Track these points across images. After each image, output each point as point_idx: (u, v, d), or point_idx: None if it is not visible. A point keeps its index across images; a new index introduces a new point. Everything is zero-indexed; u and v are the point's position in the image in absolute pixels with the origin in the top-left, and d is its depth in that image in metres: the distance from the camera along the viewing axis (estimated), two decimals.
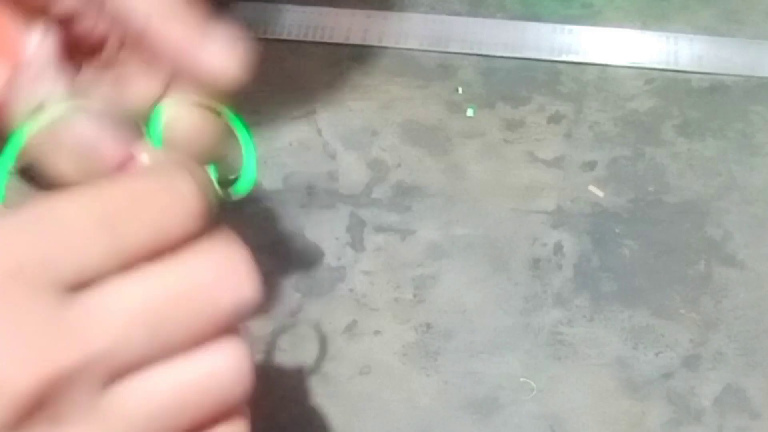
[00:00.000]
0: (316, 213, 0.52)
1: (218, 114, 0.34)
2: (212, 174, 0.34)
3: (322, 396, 0.46)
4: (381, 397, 0.46)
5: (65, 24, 0.32)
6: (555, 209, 0.52)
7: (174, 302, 0.26)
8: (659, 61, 0.58)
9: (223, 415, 0.27)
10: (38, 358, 0.24)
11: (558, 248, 0.51)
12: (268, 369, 0.47)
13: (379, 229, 0.51)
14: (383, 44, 0.59)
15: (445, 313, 0.48)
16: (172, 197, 0.27)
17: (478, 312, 0.48)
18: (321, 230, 0.51)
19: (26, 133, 0.30)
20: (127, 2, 0.31)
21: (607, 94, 0.57)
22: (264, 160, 0.54)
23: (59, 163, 0.31)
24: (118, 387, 0.25)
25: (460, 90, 0.57)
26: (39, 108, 0.31)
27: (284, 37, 0.60)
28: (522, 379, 0.46)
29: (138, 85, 0.34)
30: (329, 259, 0.50)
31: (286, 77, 0.58)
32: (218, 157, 0.34)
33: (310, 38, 0.60)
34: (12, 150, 0.30)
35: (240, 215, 0.52)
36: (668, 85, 0.57)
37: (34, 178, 0.32)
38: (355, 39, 0.60)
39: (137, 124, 0.33)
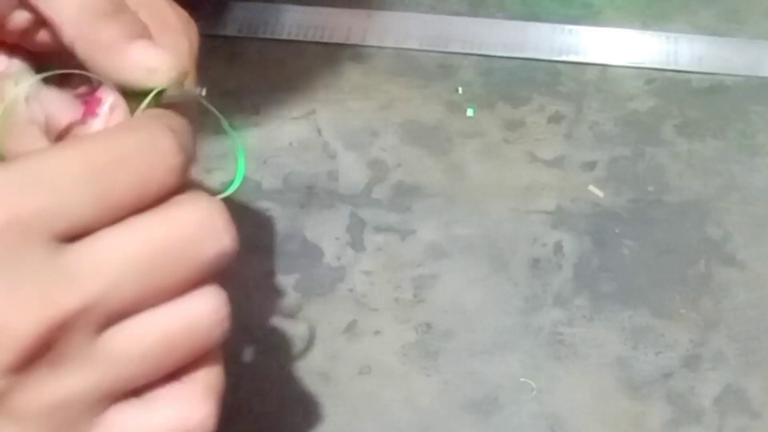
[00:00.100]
0: (316, 213, 0.52)
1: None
2: None
3: (322, 396, 0.46)
4: (381, 397, 0.46)
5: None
6: (555, 209, 0.52)
7: (161, 251, 0.28)
8: (659, 61, 0.58)
9: (202, 358, 0.30)
10: (40, 303, 0.26)
11: (558, 248, 0.51)
12: (268, 369, 0.47)
13: (379, 229, 0.51)
14: (383, 44, 0.59)
15: (445, 313, 0.48)
16: (154, 152, 0.28)
17: (478, 312, 0.48)
18: (321, 230, 0.51)
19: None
20: (53, 9, 0.31)
21: (607, 94, 0.57)
22: (264, 160, 0.54)
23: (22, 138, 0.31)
24: (110, 331, 0.27)
25: (460, 90, 0.57)
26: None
27: (284, 37, 0.60)
28: (522, 379, 0.46)
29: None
30: (329, 259, 0.50)
31: (286, 77, 0.58)
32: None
33: (310, 38, 0.60)
34: None
35: (240, 215, 0.52)
36: (668, 85, 0.57)
37: None
38: (355, 39, 0.60)
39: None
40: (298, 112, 0.56)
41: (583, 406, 0.45)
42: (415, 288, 0.49)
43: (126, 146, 0.28)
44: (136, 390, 0.28)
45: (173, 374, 0.29)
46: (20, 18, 0.33)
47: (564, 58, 0.59)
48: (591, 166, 0.54)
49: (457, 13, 0.61)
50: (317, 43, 0.59)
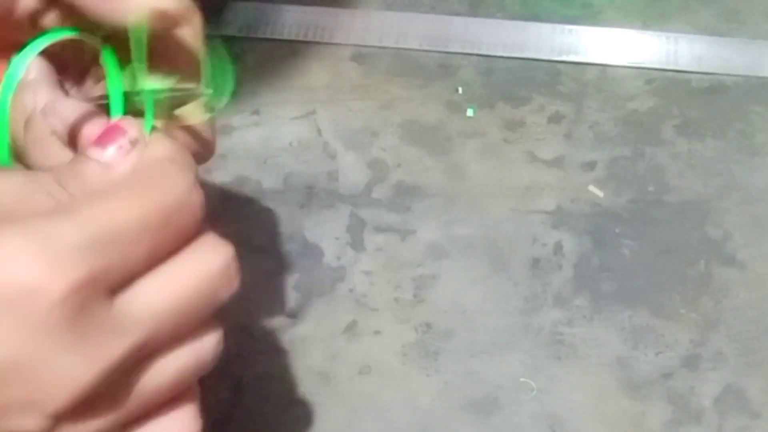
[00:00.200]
0: (316, 213, 0.52)
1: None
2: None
3: (322, 396, 0.46)
4: (381, 397, 0.46)
5: None
6: (555, 209, 0.52)
7: (192, 298, 0.31)
8: (659, 61, 0.58)
9: (180, 396, 0.33)
10: (95, 355, 0.28)
11: (558, 248, 0.51)
12: (268, 369, 0.47)
13: (379, 229, 0.52)
14: (383, 44, 0.59)
15: (445, 313, 0.48)
16: (190, 206, 0.31)
17: (478, 312, 0.48)
18: (321, 230, 0.51)
19: (21, 66, 0.31)
20: None
21: (607, 94, 0.57)
22: (264, 160, 0.54)
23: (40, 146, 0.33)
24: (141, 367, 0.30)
25: (460, 90, 0.57)
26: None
27: (284, 37, 0.60)
28: (522, 379, 0.46)
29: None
30: (329, 259, 0.50)
31: (286, 77, 0.58)
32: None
33: (310, 38, 0.60)
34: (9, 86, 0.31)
35: (240, 215, 0.52)
36: (668, 85, 0.57)
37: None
38: (355, 39, 0.60)
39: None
40: (298, 112, 0.56)
41: (583, 406, 0.45)
42: (415, 288, 0.49)
43: (170, 202, 0.30)
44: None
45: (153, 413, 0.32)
46: (27, 1, 0.33)
47: (564, 58, 0.59)
48: (591, 166, 0.54)
49: (457, 13, 0.61)
50: (317, 43, 0.59)
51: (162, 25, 0.33)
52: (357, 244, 0.51)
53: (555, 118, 0.56)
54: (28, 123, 0.32)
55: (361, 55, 0.59)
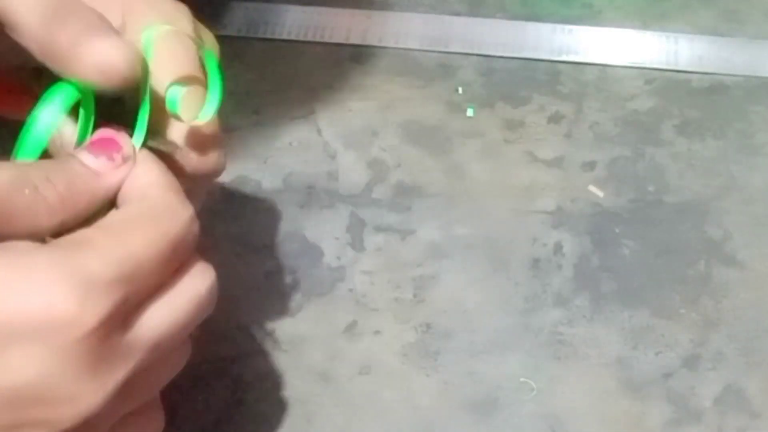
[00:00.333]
0: (316, 213, 0.52)
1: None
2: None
3: (322, 396, 0.46)
4: (381, 397, 0.46)
5: None
6: (555, 209, 0.52)
7: (186, 321, 0.32)
8: (659, 61, 0.58)
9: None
10: (106, 381, 0.30)
11: (558, 248, 0.51)
12: (268, 369, 0.47)
13: (379, 229, 0.51)
14: (383, 44, 0.59)
15: (445, 313, 0.48)
16: (193, 235, 0.32)
17: (478, 312, 0.48)
18: (321, 230, 0.51)
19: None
20: (12, 17, 0.32)
21: (607, 94, 0.57)
22: (264, 160, 0.54)
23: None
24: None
25: (460, 90, 0.57)
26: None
27: (284, 37, 0.60)
28: (522, 379, 0.46)
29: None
30: (329, 259, 0.50)
31: (286, 77, 0.58)
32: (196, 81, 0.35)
33: (310, 38, 0.60)
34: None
35: (240, 215, 0.52)
36: (668, 85, 0.57)
37: None
38: (355, 39, 0.60)
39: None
40: (298, 112, 0.56)
41: (583, 406, 0.45)
42: (415, 288, 0.49)
43: (179, 233, 0.32)
44: None
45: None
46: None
47: (564, 58, 0.59)
48: (591, 166, 0.54)
49: (457, 13, 0.61)
50: (317, 43, 0.59)
51: (111, 84, 0.32)
52: (357, 244, 0.51)
53: (555, 118, 0.56)
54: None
55: (361, 55, 0.59)
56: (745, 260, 0.50)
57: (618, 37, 0.60)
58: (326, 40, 0.59)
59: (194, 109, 0.34)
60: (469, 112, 0.56)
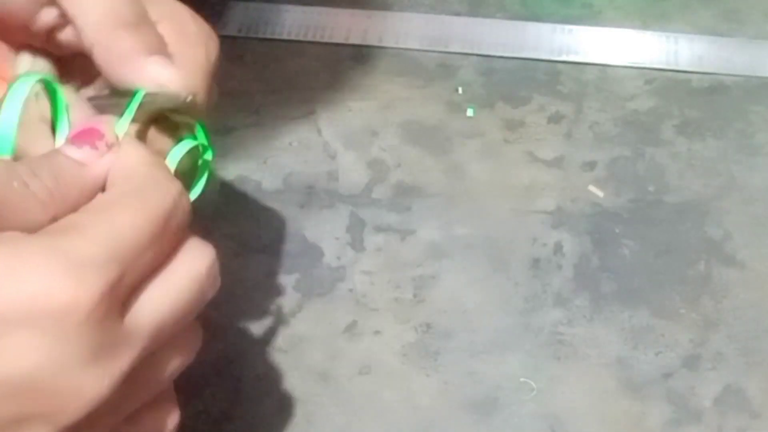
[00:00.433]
0: (316, 213, 0.52)
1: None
2: None
3: (322, 396, 0.46)
4: (381, 397, 0.46)
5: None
6: (555, 209, 0.52)
7: (187, 302, 0.32)
8: (659, 61, 0.58)
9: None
10: (106, 370, 0.29)
11: (558, 248, 0.51)
12: (268, 369, 0.47)
13: (379, 229, 0.51)
14: (383, 44, 0.59)
15: (445, 313, 0.48)
16: (183, 212, 0.32)
17: (478, 312, 0.48)
18: (321, 230, 0.51)
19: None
20: (78, 10, 0.33)
21: (607, 94, 0.57)
22: (264, 160, 0.54)
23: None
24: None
25: (460, 90, 0.57)
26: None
27: (284, 37, 0.60)
28: (522, 379, 0.46)
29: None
30: (329, 259, 0.50)
31: (286, 77, 0.58)
32: None
33: (310, 38, 0.60)
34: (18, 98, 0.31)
35: (240, 215, 0.52)
36: (668, 85, 0.57)
37: None
38: (355, 39, 0.60)
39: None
40: (298, 112, 0.56)
41: (583, 406, 0.45)
42: (415, 288, 0.49)
43: (167, 208, 0.31)
44: None
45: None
46: (47, 17, 0.34)
47: (564, 58, 0.59)
48: (591, 166, 0.54)
49: (457, 13, 0.61)
50: (317, 43, 0.59)
51: (168, 105, 0.34)
52: (357, 244, 0.51)
53: (555, 118, 0.56)
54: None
55: (361, 55, 0.59)
56: (745, 260, 0.50)
57: (618, 37, 0.60)
58: (326, 40, 0.60)
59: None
60: (469, 112, 0.56)
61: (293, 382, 0.46)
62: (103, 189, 0.32)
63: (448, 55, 0.59)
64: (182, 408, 0.43)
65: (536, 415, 0.45)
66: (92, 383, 0.29)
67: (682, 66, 0.58)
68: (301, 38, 0.60)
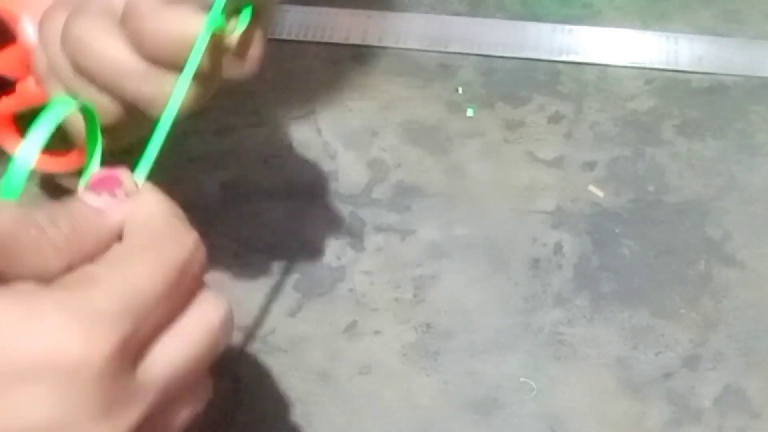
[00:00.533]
0: (316, 213, 0.52)
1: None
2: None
3: (322, 396, 0.46)
4: (381, 397, 0.46)
5: None
6: (555, 209, 0.52)
7: (199, 355, 0.31)
8: (659, 61, 0.58)
9: None
10: (117, 424, 0.29)
11: (558, 248, 0.51)
12: (268, 369, 0.47)
13: (379, 229, 0.51)
14: (383, 44, 0.59)
15: (445, 313, 0.48)
16: (199, 263, 0.32)
17: (478, 312, 0.48)
18: (321, 230, 0.51)
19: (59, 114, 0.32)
20: None
21: (607, 94, 0.57)
22: (264, 160, 0.54)
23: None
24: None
25: (460, 90, 0.57)
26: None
27: (284, 37, 0.60)
28: (522, 379, 0.46)
29: None
30: (329, 259, 0.50)
31: (286, 77, 0.58)
32: None
33: (310, 38, 0.60)
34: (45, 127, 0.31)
35: (240, 215, 0.52)
36: (668, 85, 0.57)
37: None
38: (355, 39, 0.60)
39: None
40: (298, 112, 0.56)
41: (583, 406, 0.45)
42: (415, 288, 0.49)
43: (183, 260, 0.31)
44: None
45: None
46: None
47: (564, 58, 0.59)
48: (591, 166, 0.54)
49: (457, 13, 0.61)
50: (317, 43, 0.59)
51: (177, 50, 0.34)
52: (357, 244, 0.51)
53: (555, 118, 0.56)
54: None
55: (361, 55, 0.59)
56: (745, 260, 0.50)
57: (618, 37, 0.60)
58: (326, 40, 0.59)
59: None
60: (469, 112, 0.56)
61: (293, 382, 0.46)
62: (120, 236, 0.32)
63: (448, 55, 0.59)
64: None
65: (536, 415, 0.45)
66: None
67: (682, 66, 0.58)
68: (301, 38, 0.60)
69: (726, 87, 0.57)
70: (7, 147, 0.43)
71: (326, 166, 0.54)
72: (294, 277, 0.50)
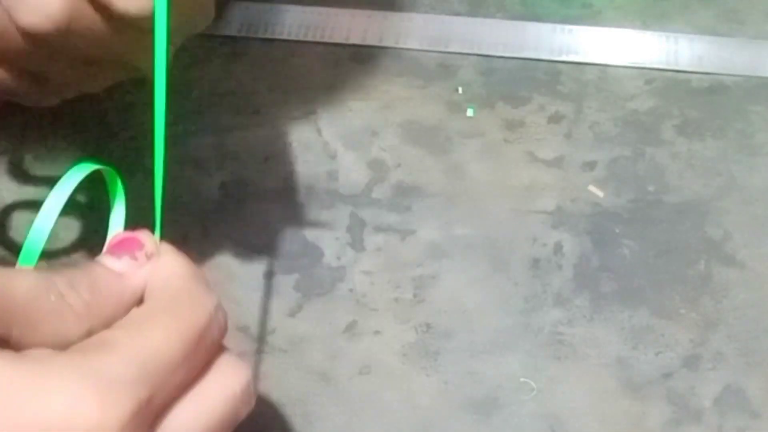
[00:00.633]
0: (316, 213, 0.52)
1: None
2: None
3: (322, 396, 0.46)
4: (381, 397, 0.46)
5: None
6: (555, 209, 0.52)
7: (219, 420, 0.31)
8: (659, 61, 0.58)
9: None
10: (118, 404, 0.28)
11: (558, 248, 0.51)
12: (269, 369, 0.47)
13: (379, 229, 0.51)
14: (383, 44, 0.59)
15: (445, 313, 0.48)
16: (219, 328, 0.32)
17: (478, 312, 0.48)
18: (321, 230, 0.51)
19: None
20: None
21: (607, 94, 0.57)
22: (264, 160, 0.54)
23: None
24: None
25: (460, 90, 0.57)
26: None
27: (284, 37, 0.60)
28: (522, 379, 0.46)
29: None
30: (329, 259, 0.50)
31: (286, 77, 0.58)
32: None
33: (310, 38, 0.60)
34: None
35: (240, 215, 0.52)
36: (668, 85, 0.57)
37: None
38: (355, 39, 0.60)
39: None
40: (298, 112, 0.56)
41: (583, 406, 0.45)
42: (415, 288, 0.49)
43: (202, 323, 0.31)
44: None
45: None
46: None
47: (564, 58, 0.59)
48: (591, 166, 0.54)
49: (457, 13, 0.61)
50: (317, 43, 0.59)
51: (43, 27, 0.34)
52: (357, 244, 0.51)
53: (555, 118, 0.56)
54: None
55: (361, 55, 0.59)
56: (745, 260, 0.50)
57: (618, 37, 0.60)
58: (326, 40, 0.59)
59: None
60: (469, 112, 0.56)
61: (293, 382, 0.46)
62: (141, 299, 0.32)
63: (448, 55, 0.59)
64: None
65: (536, 415, 0.45)
66: None
67: (682, 66, 0.58)
68: (301, 38, 0.60)
69: (726, 87, 0.57)
70: None
71: (326, 166, 0.54)
72: (294, 277, 0.50)
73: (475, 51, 0.59)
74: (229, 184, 0.53)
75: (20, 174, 0.52)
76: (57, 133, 0.54)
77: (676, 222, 0.51)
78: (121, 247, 0.32)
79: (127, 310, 0.31)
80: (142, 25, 0.34)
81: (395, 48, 0.59)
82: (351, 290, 0.49)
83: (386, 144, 0.55)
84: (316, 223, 0.52)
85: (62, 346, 0.29)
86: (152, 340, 0.29)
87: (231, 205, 0.52)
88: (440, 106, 0.56)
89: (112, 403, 0.28)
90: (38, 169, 0.53)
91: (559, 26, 0.60)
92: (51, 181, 0.32)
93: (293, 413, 0.45)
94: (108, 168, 0.33)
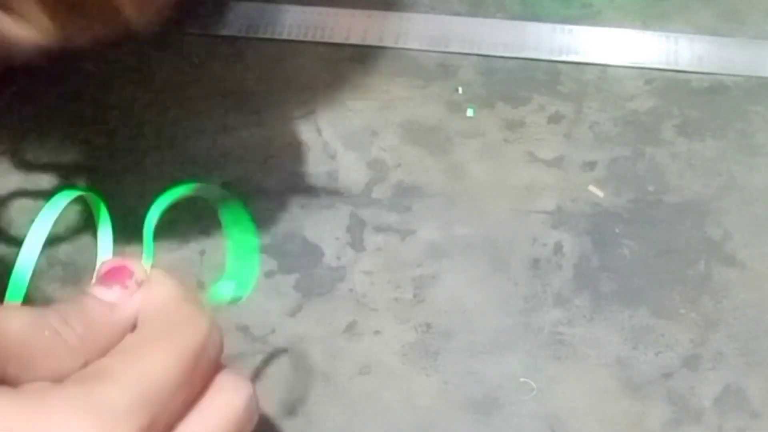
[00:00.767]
0: (316, 213, 0.52)
1: None
2: None
3: (322, 396, 0.46)
4: (381, 397, 0.46)
5: None
6: (555, 209, 0.52)
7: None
8: (659, 61, 0.58)
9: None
10: (120, 430, 0.28)
11: (558, 248, 0.51)
12: (269, 369, 0.47)
13: (379, 229, 0.51)
14: (383, 44, 0.59)
15: (445, 313, 0.48)
16: (215, 347, 0.31)
17: (478, 312, 0.48)
18: (321, 230, 0.51)
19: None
20: None
21: (607, 94, 0.57)
22: (264, 160, 0.54)
23: None
24: None
25: (460, 90, 0.57)
26: None
27: (284, 37, 0.60)
28: (522, 379, 0.46)
29: None
30: (329, 259, 0.50)
31: (286, 77, 0.58)
32: None
33: (310, 38, 0.60)
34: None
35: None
36: (668, 85, 0.57)
37: None
38: (355, 39, 0.60)
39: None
40: (298, 112, 0.56)
41: (583, 406, 0.45)
42: (415, 288, 0.49)
43: (198, 345, 0.30)
44: None
45: None
46: None
47: (564, 58, 0.59)
48: (591, 166, 0.54)
49: (457, 13, 0.61)
50: (317, 43, 0.59)
51: None
52: (357, 244, 0.51)
53: (555, 118, 0.56)
54: None
55: (361, 55, 0.59)
56: (745, 260, 0.50)
57: (618, 37, 0.60)
58: (326, 40, 0.59)
59: None
60: (469, 112, 0.56)
61: (293, 382, 0.46)
62: (133, 326, 0.32)
63: (448, 55, 0.59)
64: None
65: (536, 415, 0.45)
66: None
67: (682, 66, 0.58)
68: (301, 38, 0.60)
69: (726, 87, 0.57)
70: None
71: (326, 166, 0.54)
72: (294, 277, 0.50)
73: (475, 51, 0.59)
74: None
75: (22, 164, 0.52)
76: (57, 132, 0.54)
77: (676, 222, 0.51)
78: (111, 277, 0.32)
79: (120, 338, 0.31)
80: None
81: (395, 48, 0.59)
82: (351, 290, 0.49)
83: (386, 144, 0.55)
84: (316, 223, 0.52)
85: (58, 380, 0.29)
86: (148, 366, 0.29)
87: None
88: (440, 106, 0.56)
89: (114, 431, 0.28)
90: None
91: (559, 26, 0.60)
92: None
93: (293, 413, 0.45)
94: (90, 194, 0.32)
